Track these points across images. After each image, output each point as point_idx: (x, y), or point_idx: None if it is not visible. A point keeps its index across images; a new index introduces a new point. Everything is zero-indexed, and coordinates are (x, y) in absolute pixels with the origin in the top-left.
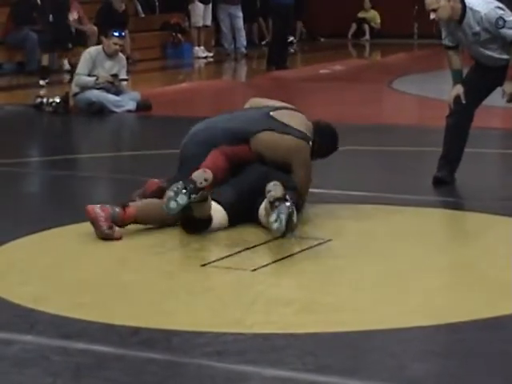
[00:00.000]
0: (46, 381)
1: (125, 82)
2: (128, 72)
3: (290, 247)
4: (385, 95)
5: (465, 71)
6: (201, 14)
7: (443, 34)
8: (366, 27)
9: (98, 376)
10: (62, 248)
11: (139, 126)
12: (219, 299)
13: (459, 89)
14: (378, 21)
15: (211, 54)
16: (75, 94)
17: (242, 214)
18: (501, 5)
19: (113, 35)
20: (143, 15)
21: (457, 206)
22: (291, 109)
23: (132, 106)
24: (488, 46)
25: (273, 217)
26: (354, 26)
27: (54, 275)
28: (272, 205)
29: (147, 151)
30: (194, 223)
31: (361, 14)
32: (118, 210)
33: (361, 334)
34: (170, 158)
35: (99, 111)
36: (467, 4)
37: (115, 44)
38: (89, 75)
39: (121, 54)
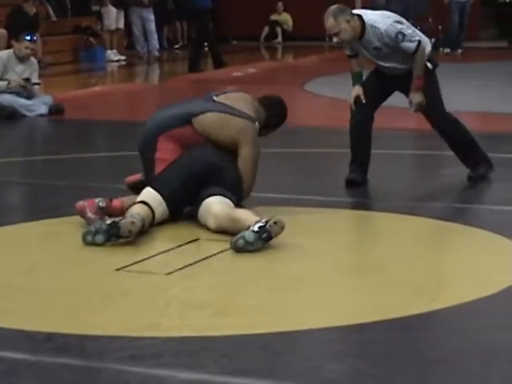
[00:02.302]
0: None
1: (37, 86)
2: (40, 76)
3: (204, 250)
4: (297, 97)
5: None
6: (113, 17)
7: (344, 45)
8: (279, 30)
9: (11, 383)
10: None
11: (51, 130)
12: (134, 304)
13: (358, 89)
14: (291, 23)
15: (124, 58)
16: None
17: (183, 204)
18: (398, 18)
19: (24, 39)
20: (55, 19)
21: (368, 206)
22: (236, 91)
23: (44, 110)
24: (389, 59)
25: (250, 237)
26: (266, 29)
27: None
28: (262, 232)
29: (60, 155)
30: None
31: (273, 17)
32: (104, 201)
33: (276, 335)
34: (82, 161)
35: (11, 115)
36: (366, 21)
37: (27, 48)
38: (0, 79)
39: (32, 58)
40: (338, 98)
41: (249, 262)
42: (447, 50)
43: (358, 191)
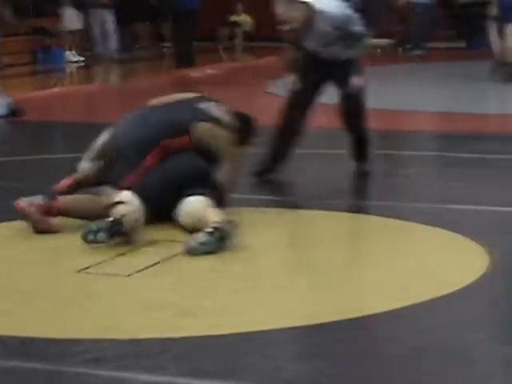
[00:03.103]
0: None
1: None
2: None
3: (165, 251)
4: (258, 98)
5: None
6: (72, 18)
7: (285, 32)
8: (238, 31)
9: None
10: None
11: (11, 131)
12: (95, 306)
13: (293, 76)
14: (250, 24)
15: (83, 59)
16: None
17: (164, 208)
18: (347, 3)
19: None
20: (13, 20)
21: (322, 206)
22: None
23: (3, 111)
24: (334, 44)
25: (202, 238)
26: (226, 30)
27: None
28: (215, 233)
29: (19, 157)
30: None
31: (233, 18)
32: (45, 200)
33: (237, 336)
34: (42, 163)
35: None
36: (317, 7)
37: None
38: None
39: None
40: None
41: (209, 263)
42: (418, 52)
43: (313, 190)
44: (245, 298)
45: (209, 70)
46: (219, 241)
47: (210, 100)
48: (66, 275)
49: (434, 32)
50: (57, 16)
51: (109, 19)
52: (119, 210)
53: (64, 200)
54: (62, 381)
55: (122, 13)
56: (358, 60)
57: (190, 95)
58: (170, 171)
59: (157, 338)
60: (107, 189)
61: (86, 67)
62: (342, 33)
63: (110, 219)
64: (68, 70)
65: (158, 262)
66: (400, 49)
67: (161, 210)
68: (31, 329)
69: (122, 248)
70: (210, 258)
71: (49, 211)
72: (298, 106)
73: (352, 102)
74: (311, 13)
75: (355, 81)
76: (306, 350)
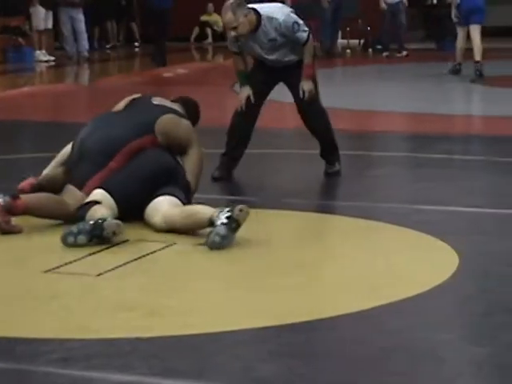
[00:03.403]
0: None
1: None
2: None
3: (135, 251)
4: (227, 98)
5: None
6: (42, 18)
7: (228, 41)
8: (209, 31)
9: None
10: None
11: None
12: (63, 305)
13: (248, 90)
14: (221, 24)
15: (53, 58)
16: None
17: (135, 206)
18: (291, 9)
19: None
20: None
21: (292, 206)
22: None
23: None
24: (279, 50)
25: (222, 231)
26: (196, 30)
27: None
28: (231, 223)
29: None
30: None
31: (203, 18)
32: (8, 199)
33: (207, 336)
34: (10, 162)
35: None
36: (262, 13)
37: None
38: None
39: None
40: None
41: (179, 263)
42: (386, 53)
43: (283, 190)
44: (215, 297)
45: (180, 70)
46: (235, 230)
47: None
48: (34, 275)
49: (405, 33)
50: (26, 15)
51: (79, 18)
52: (98, 213)
53: (27, 199)
54: (31, 380)
55: (92, 12)
56: (308, 64)
57: (138, 95)
58: (137, 170)
59: (126, 338)
60: (70, 187)
61: (56, 67)
62: (287, 39)
63: (91, 222)
64: (38, 69)
65: (128, 262)
66: (370, 49)
67: (129, 209)
68: None
69: (92, 248)
70: (181, 258)
71: (11, 211)
72: (246, 112)
73: (305, 106)
74: (257, 19)
75: (305, 86)
76: (276, 349)
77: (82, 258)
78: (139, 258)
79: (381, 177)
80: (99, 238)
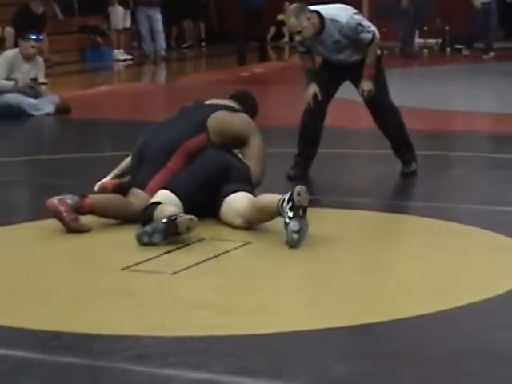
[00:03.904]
0: None
1: (43, 86)
2: (46, 75)
3: (210, 250)
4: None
5: None
6: (120, 17)
7: (296, 42)
8: (285, 30)
9: (15, 382)
10: None
11: (58, 129)
12: (139, 303)
13: (315, 87)
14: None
15: (130, 57)
16: None
17: (198, 205)
18: (355, 10)
19: (30, 38)
20: (62, 18)
21: (364, 206)
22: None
23: (51, 109)
24: (344, 51)
25: (296, 226)
26: (273, 29)
27: None
28: (297, 211)
29: (66, 155)
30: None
31: (280, 17)
32: (75, 198)
33: (282, 335)
34: (89, 161)
35: (18, 115)
36: (326, 16)
37: (32, 47)
38: (7, 78)
39: (38, 57)
40: (344, 98)
41: (255, 262)
42: (466, 52)
43: (349, 190)
44: (290, 296)
45: (257, 69)
46: (304, 215)
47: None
48: (111, 272)
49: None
50: (104, 14)
51: (157, 17)
52: (166, 212)
53: (94, 199)
54: (108, 377)
55: (169, 11)
56: (370, 64)
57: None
58: (196, 170)
59: (202, 336)
60: (134, 190)
61: (134, 66)
62: (351, 40)
63: (164, 221)
64: (115, 68)
65: (204, 261)
66: (448, 49)
67: (193, 208)
68: (75, 324)
69: (168, 246)
70: (256, 256)
71: (78, 210)
72: (314, 110)
73: (375, 106)
74: (320, 22)
75: (365, 86)
76: (351, 349)
77: (158, 256)
78: (214, 256)
79: (459, 177)
80: (174, 235)
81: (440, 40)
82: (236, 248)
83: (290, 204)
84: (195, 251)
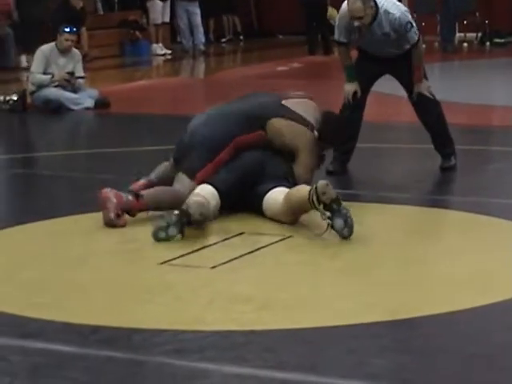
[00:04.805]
0: (3, 381)
1: (81, 80)
2: (86, 69)
3: (249, 244)
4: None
5: None
6: (159, 11)
7: (338, 32)
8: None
9: (57, 375)
10: (20, 247)
11: (97, 123)
12: (178, 297)
13: (355, 86)
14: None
15: (169, 52)
16: (32, 93)
17: (236, 199)
18: (407, 8)
19: (64, 31)
20: (102, 12)
21: (397, 200)
22: (303, 96)
23: (90, 103)
24: (390, 45)
25: (339, 222)
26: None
27: (12, 274)
28: (331, 207)
29: (106, 149)
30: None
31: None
32: (130, 198)
33: (319, 330)
34: (129, 155)
35: (57, 109)
36: (381, 6)
37: (66, 40)
38: (44, 73)
39: (75, 50)
40: (383, 92)
41: (293, 256)
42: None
43: (388, 185)
44: (327, 291)
45: (295, 64)
46: (340, 209)
47: (297, 97)
48: (150, 267)
49: None
50: (143, 9)
51: (195, 11)
52: (186, 202)
53: (149, 199)
54: (145, 370)
55: (207, 4)
56: (417, 66)
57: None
58: (237, 165)
59: (240, 331)
60: (181, 176)
61: (173, 60)
62: (398, 35)
63: (176, 212)
64: (154, 62)
65: (243, 255)
66: (487, 43)
67: (232, 204)
68: (114, 318)
69: (207, 240)
70: (296, 251)
71: (131, 211)
72: (353, 105)
73: (417, 99)
74: (375, 11)
75: (421, 89)
76: (388, 345)
77: (197, 250)
78: (254, 251)
79: (498, 172)
80: (189, 224)
81: (479, 34)
82: (275, 242)
83: (322, 205)
84: (234, 245)
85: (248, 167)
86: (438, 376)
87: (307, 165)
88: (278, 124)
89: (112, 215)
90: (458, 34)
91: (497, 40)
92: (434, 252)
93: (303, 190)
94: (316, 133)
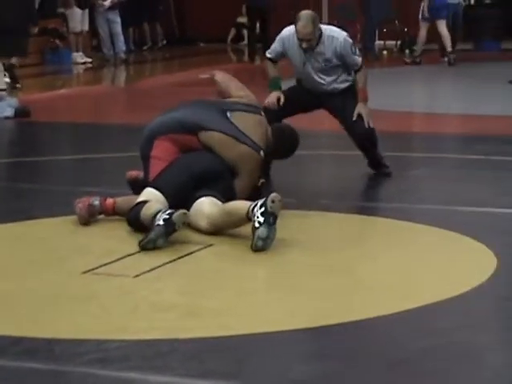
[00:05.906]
0: None
1: (3, 92)
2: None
3: (172, 252)
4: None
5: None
6: (78, 20)
7: (273, 49)
8: (245, 32)
9: None
10: None
11: (18, 132)
12: (101, 306)
13: (278, 93)
14: (257, 25)
15: (90, 60)
16: None
17: (180, 202)
18: (347, 34)
19: None
20: None
21: (327, 207)
22: (251, 108)
23: (10, 112)
24: (329, 72)
25: (263, 233)
26: (233, 31)
27: None
28: (268, 218)
29: (27, 158)
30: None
31: (240, 19)
32: (97, 202)
33: (244, 337)
34: (49, 164)
35: None
36: (325, 31)
37: None
38: None
39: None
40: None
41: (216, 264)
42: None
43: (318, 192)
44: (252, 299)
45: (216, 71)
46: (274, 223)
47: (244, 111)
48: (72, 276)
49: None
50: (63, 17)
51: (115, 20)
52: (152, 209)
53: (117, 202)
54: (68, 381)
55: (127, 13)
56: (363, 88)
57: (233, 100)
58: (187, 166)
59: (164, 339)
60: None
61: (94, 68)
62: (342, 61)
63: (161, 223)
64: (75, 71)
65: (166, 263)
66: (407, 51)
67: (177, 204)
68: (36, 328)
69: (131, 248)
70: (218, 259)
71: (102, 212)
72: (271, 113)
73: (357, 128)
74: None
75: (362, 110)
76: (313, 351)
77: (120, 259)
78: (176, 259)
79: (418, 178)
80: (173, 232)
81: (399, 42)
82: (198, 250)
83: (263, 209)
84: (157, 254)
85: (194, 170)
86: (363, 381)
87: (247, 187)
88: (219, 139)
89: (83, 214)
90: (377, 42)
91: (415, 47)
92: (356, 258)
93: (246, 202)
94: (262, 153)
